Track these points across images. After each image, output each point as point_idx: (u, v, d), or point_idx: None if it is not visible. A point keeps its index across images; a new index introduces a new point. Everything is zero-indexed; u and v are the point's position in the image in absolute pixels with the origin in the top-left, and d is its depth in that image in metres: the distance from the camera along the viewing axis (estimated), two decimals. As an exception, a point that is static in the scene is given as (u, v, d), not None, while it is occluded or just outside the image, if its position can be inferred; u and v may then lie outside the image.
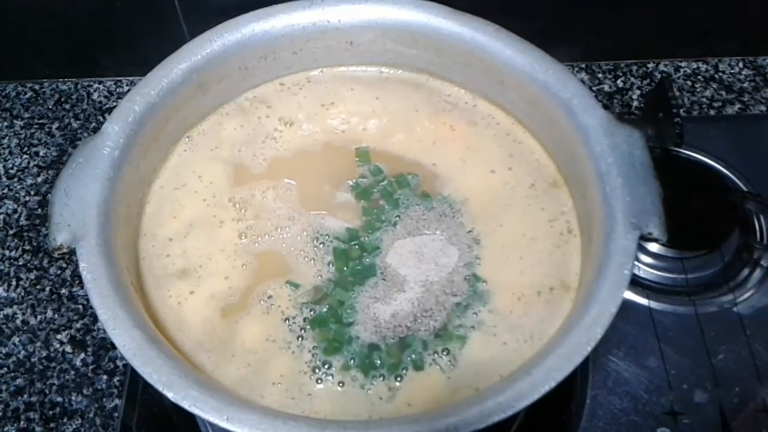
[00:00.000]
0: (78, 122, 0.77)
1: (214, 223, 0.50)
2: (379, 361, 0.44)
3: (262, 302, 0.47)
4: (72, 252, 0.43)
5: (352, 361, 0.44)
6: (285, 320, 0.46)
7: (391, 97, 0.55)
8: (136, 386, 0.59)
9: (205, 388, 0.38)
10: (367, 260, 0.48)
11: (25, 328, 0.64)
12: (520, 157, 0.52)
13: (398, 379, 0.43)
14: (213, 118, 0.54)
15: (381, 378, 0.43)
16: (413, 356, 0.44)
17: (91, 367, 0.62)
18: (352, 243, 0.49)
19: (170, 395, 0.37)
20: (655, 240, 0.41)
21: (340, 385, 0.44)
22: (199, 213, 0.50)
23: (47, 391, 0.61)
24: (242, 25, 0.52)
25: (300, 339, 0.45)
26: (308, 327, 0.45)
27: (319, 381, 0.44)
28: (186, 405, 0.37)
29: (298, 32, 0.53)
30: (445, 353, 0.44)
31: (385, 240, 0.48)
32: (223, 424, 0.37)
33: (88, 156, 0.46)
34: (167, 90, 0.50)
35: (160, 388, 0.38)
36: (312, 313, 0.46)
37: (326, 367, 0.44)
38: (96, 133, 0.47)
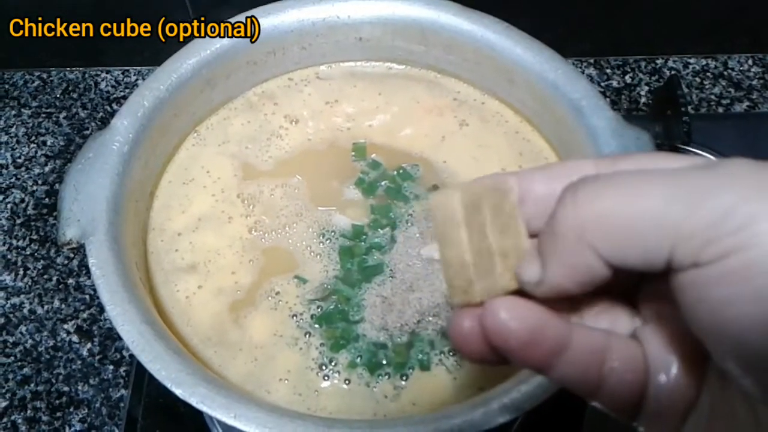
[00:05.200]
0: (85, 112, 0.77)
1: (222, 219, 0.50)
2: (385, 360, 0.44)
3: (270, 298, 0.47)
4: (81, 247, 0.43)
5: (358, 358, 0.44)
6: (292, 316, 0.46)
7: (397, 92, 0.55)
8: (142, 377, 0.60)
9: (213, 385, 0.38)
10: (375, 258, 0.48)
11: (32, 317, 0.64)
12: (529, 155, 0.52)
13: (404, 378, 0.44)
14: (221, 112, 0.54)
15: (387, 377, 0.44)
16: (420, 356, 0.44)
17: (97, 357, 0.62)
18: (358, 240, 0.49)
19: (178, 392, 0.38)
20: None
21: (347, 382, 0.44)
22: (207, 208, 0.50)
23: (54, 381, 0.61)
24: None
25: (307, 335, 0.46)
26: (315, 324, 0.46)
27: (326, 378, 0.44)
28: (194, 402, 0.38)
29: (307, 27, 0.53)
30: (451, 353, 0.44)
31: (395, 237, 0.48)
32: (231, 422, 0.37)
33: (97, 151, 0.46)
34: (176, 85, 0.50)
35: (168, 384, 0.38)
36: (319, 309, 0.46)
37: (333, 364, 0.44)
38: (105, 128, 0.47)
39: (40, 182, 0.72)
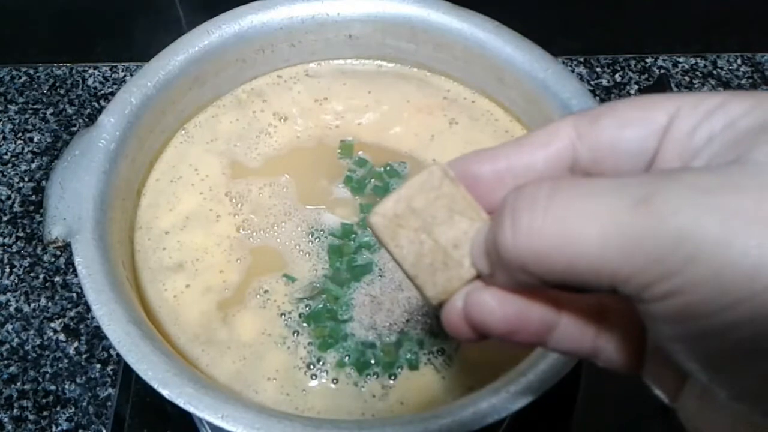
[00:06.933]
0: (73, 108, 0.76)
1: (210, 217, 0.49)
2: (373, 359, 0.44)
3: (258, 296, 0.47)
4: (67, 245, 0.43)
5: (346, 358, 0.44)
6: (281, 315, 0.46)
7: (387, 91, 0.55)
8: (130, 376, 0.59)
9: (200, 386, 0.38)
10: (365, 257, 0.48)
11: (18, 315, 0.64)
12: (518, 154, 0.52)
13: (392, 377, 0.44)
14: (210, 110, 0.54)
15: (375, 376, 0.44)
16: (408, 355, 0.44)
17: (84, 356, 0.62)
18: (347, 239, 0.48)
19: (165, 393, 0.37)
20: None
21: (334, 381, 0.44)
22: (195, 206, 0.50)
23: (40, 380, 0.61)
24: (240, 16, 0.52)
25: (295, 334, 0.45)
26: (304, 322, 0.46)
27: (314, 377, 0.44)
28: (181, 403, 0.37)
29: (297, 25, 0.53)
30: (440, 353, 0.44)
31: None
32: (218, 423, 0.37)
33: (83, 148, 0.46)
34: (164, 82, 0.49)
35: (155, 385, 0.38)
36: (308, 308, 0.46)
37: (321, 363, 0.44)
38: (92, 125, 0.47)
39: (26, 179, 0.72)
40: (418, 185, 0.24)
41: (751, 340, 0.18)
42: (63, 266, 0.66)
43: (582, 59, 0.79)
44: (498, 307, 0.23)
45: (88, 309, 0.63)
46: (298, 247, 0.48)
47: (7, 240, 0.68)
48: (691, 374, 0.21)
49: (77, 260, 0.42)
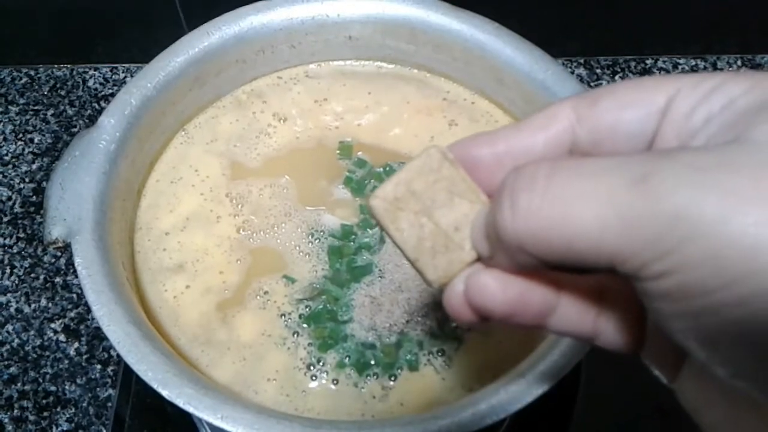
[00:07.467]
0: (73, 109, 0.76)
1: (211, 218, 0.49)
2: (373, 360, 0.44)
3: (258, 297, 0.47)
4: (67, 246, 0.43)
5: (346, 358, 0.44)
6: (281, 316, 0.46)
7: (387, 92, 0.55)
8: (130, 376, 0.60)
9: (199, 386, 0.38)
10: (364, 258, 0.48)
11: (19, 316, 0.64)
12: (517, 155, 0.52)
13: (392, 378, 0.44)
14: (210, 111, 0.54)
15: (375, 377, 0.44)
16: (408, 356, 0.44)
17: (84, 357, 0.62)
18: (347, 240, 0.49)
19: (165, 393, 0.38)
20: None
21: (334, 382, 0.44)
22: (196, 207, 0.50)
23: (41, 380, 0.61)
24: (241, 17, 0.52)
25: (296, 335, 0.45)
26: (304, 323, 0.46)
27: (314, 378, 0.44)
28: (180, 403, 0.37)
29: (297, 26, 0.53)
30: (440, 354, 0.44)
31: (384, 238, 0.48)
32: (218, 423, 0.37)
33: (84, 149, 0.46)
34: (164, 83, 0.49)
35: (155, 385, 0.38)
36: (308, 309, 0.46)
37: (321, 364, 0.44)
38: (92, 126, 0.47)
39: (27, 180, 0.72)
40: (417, 168, 0.24)
41: (749, 319, 0.18)
42: (63, 267, 0.66)
43: (582, 60, 0.79)
44: (499, 289, 0.23)
45: (89, 310, 0.63)
46: (298, 248, 0.48)
47: (7, 241, 0.68)
48: (689, 353, 0.21)
49: (77, 261, 0.42)
